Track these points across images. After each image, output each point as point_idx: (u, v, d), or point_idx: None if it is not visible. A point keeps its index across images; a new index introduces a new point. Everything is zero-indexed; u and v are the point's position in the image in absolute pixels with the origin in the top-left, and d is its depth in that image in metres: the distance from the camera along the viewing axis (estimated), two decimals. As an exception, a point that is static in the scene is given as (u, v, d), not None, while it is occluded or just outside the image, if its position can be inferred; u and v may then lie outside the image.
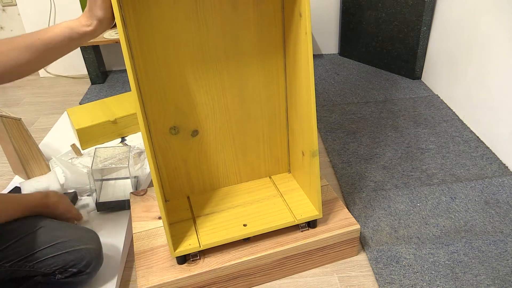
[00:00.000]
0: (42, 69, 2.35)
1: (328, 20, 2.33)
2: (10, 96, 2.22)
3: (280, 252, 1.02)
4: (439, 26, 1.86)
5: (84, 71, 2.38)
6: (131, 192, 1.22)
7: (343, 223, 1.07)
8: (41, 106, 2.07)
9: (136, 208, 1.17)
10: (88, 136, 1.57)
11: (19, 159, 1.36)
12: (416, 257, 1.11)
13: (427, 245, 1.14)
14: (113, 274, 1.07)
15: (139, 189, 1.30)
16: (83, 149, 1.58)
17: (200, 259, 1.00)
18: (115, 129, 1.62)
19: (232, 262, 0.98)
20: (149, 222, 1.11)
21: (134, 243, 1.05)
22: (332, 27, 2.35)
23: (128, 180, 1.33)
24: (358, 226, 1.07)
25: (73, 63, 2.36)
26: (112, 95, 2.08)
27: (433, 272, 1.06)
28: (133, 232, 1.08)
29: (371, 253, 1.13)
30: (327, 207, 1.13)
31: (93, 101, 2.04)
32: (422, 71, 2.04)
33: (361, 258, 1.13)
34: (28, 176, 1.40)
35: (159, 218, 1.13)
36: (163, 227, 1.09)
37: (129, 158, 1.31)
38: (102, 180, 1.35)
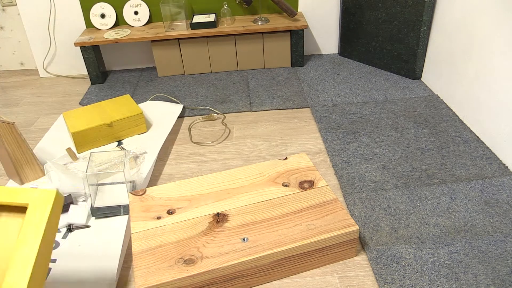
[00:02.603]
0: (42, 69, 2.34)
1: (328, 20, 2.32)
2: (10, 96, 2.21)
3: (279, 253, 1.02)
4: (439, 26, 1.85)
5: (84, 71, 2.38)
6: (130, 192, 1.22)
7: (342, 224, 1.07)
8: (41, 106, 2.07)
9: (135, 208, 1.16)
10: (83, 140, 1.56)
11: (12, 163, 1.35)
12: (416, 257, 1.10)
13: (427, 245, 1.13)
14: (112, 274, 1.06)
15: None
16: (78, 153, 1.57)
17: (198, 259, 0.99)
18: (111, 132, 1.61)
19: (231, 263, 0.98)
20: (147, 222, 1.11)
21: (132, 243, 1.05)
22: (332, 27, 2.35)
23: (124, 185, 1.32)
24: (356, 227, 1.06)
25: (73, 63, 2.36)
26: (112, 95, 2.08)
27: (433, 272, 1.06)
28: (132, 232, 1.08)
29: (371, 253, 1.12)
30: (326, 208, 1.13)
31: (93, 101, 2.04)
32: (422, 71, 2.03)
33: (361, 258, 1.12)
34: (22, 181, 1.38)
35: (158, 218, 1.12)
36: (161, 227, 1.09)
37: (124, 163, 1.29)
38: (97, 185, 1.34)
